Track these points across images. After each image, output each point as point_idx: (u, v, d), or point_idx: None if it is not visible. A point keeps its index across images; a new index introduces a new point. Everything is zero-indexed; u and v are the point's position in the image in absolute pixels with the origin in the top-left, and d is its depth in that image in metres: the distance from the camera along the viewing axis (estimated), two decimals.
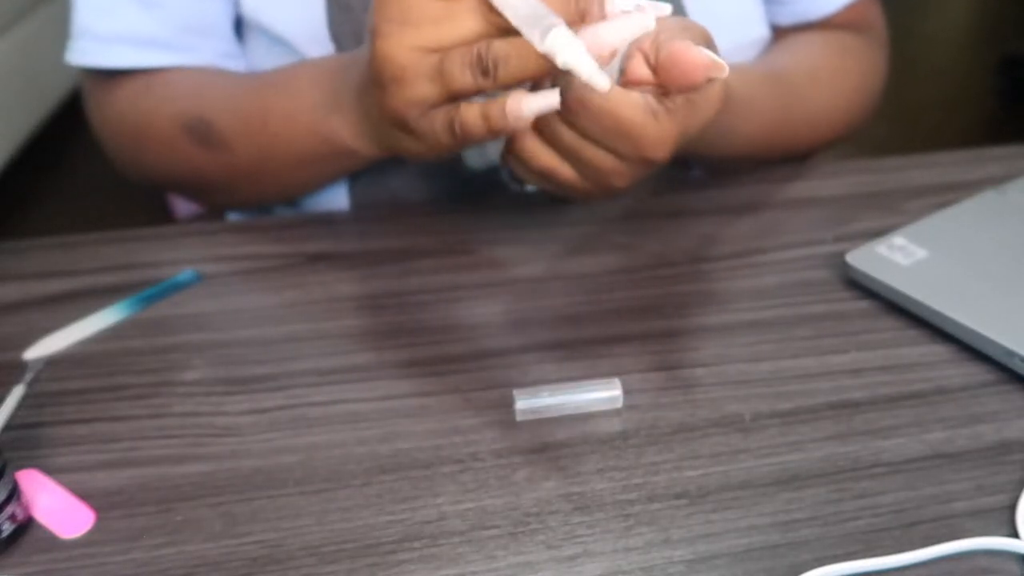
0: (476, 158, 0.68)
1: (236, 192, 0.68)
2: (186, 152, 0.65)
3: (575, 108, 0.48)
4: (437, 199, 0.69)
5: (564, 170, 0.52)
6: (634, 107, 0.48)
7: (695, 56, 0.46)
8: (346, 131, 0.58)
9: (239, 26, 0.70)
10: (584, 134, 0.49)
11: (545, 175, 0.52)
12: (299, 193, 0.69)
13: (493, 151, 0.68)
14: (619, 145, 0.49)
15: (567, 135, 0.50)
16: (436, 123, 0.49)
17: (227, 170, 0.65)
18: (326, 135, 0.59)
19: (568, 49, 0.42)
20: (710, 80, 0.47)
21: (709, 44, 0.50)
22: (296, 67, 0.63)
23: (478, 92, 0.47)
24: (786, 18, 0.74)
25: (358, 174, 0.68)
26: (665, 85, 0.48)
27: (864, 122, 0.76)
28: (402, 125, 0.50)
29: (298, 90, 0.61)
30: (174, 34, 0.67)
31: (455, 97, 0.47)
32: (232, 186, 0.67)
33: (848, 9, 0.73)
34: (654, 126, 0.48)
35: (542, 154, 0.51)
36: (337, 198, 0.69)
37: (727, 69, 0.46)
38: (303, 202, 0.71)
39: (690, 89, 0.47)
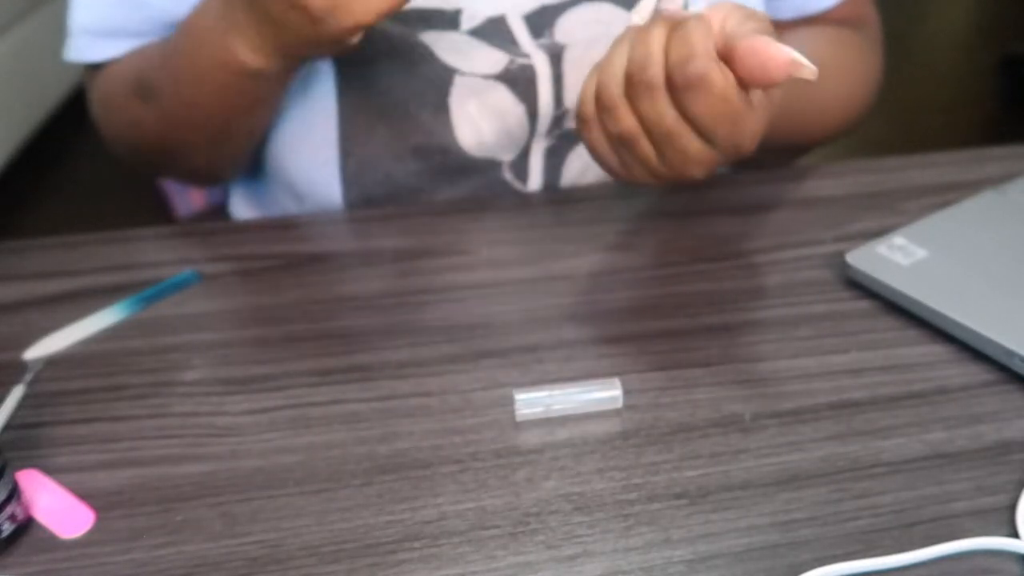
0: (472, 142, 0.68)
1: (189, 146, 0.68)
2: (135, 114, 0.67)
3: (696, 84, 0.46)
4: (433, 182, 0.69)
5: (644, 144, 0.50)
6: (742, 94, 0.47)
7: (777, 53, 0.45)
8: (245, 52, 0.58)
9: None
10: (688, 115, 0.48)
11: (624, 141, 0.51)
12: (247, 134, 0.68)
13: (489, 135, 0.68)
14: (720, 131, 0.48)
15: (669, 116, 0.48)
16: None
17: (166, 123, 0.66)
18: (226, 60, 0.59)
19: None
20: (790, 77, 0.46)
21: (772, 34, 0.49)
22: (197, 4, 0.63)
23: None
24: (787, 12, 0.75)
25: (349, 155, 0.68)
26: (740, 77, 0.47)
27: (863, 116, 0.77)
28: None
29: (195, 27, 0.62)
30: (160, 29, 0.69)
31: None
32: (179, 140, 0.67)
33: (846, 3, 0.74)
34: (753, 115, 0.48)
35: (627, 119, 0.50)
36: (328, 177, 0.69)
37: (815, 72, 0.45)
38: (296, 181, 0.71)
39: (767, 85, 0.46)
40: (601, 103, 0.50)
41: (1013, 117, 2.47)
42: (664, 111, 0.48)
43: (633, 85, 0.48)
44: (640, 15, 0.51)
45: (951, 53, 2.92)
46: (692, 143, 0.49)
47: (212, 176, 0.76)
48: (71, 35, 0.71)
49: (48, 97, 2.29)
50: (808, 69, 0.45)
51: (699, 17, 0.48)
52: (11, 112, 2.13)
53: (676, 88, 0.47)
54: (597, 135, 0.52)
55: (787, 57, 0.45)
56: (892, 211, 0.65)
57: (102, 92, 0.72)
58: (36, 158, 2.25)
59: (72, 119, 2.28)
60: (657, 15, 0.50)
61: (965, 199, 0.63)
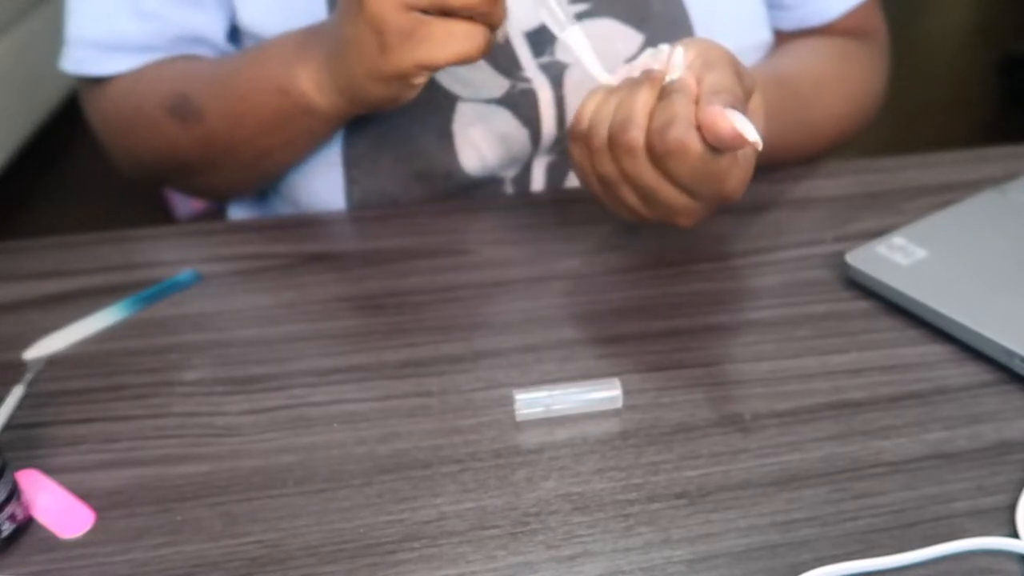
0: (476, 166, 0.68)
1: (216, 168, 0.68)
2: (169, 131, 0.66)
3: (675, 150, 0.47)
4: (436, 201, 0.69)
5: (626, 191, 0.51)
6: (722, 154, 0.47)
7: (726, 126, 0.46)
8: (306, 81, 0.59)
9: (234, 32, 0.71)
10: (668, 175, 0.49)
11: (606, 183, 0.51)
12: (275, 167, 0.68)
13: (492, 159, 0.68)
14: (702, 187, 0.49)
15: (648, 175, 0.49)
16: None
17: (204, 143, 0.65)
18: (286, 85, 0.60)
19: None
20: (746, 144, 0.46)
21: (737, 73, 0.50)
22: (272, 37, 0.63)
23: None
24: (789, 23, 0.74)
25: (354, 183, 0.68)
26: (708, 143, 0.47)
27: (864, 128, 0.76)
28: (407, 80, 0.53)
29: (265, 50, 0.62)
30: (168, 43, 0.68)
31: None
32: (211, 161, 0.67)
33: (850, 15, 0.73)
34: (738, 168, 0.48)
35: (609, 165, 0.50)
36: (335, 203, 0.69)
37: (760, 144, 0.46)
38: (303, 205, 0.71)
39: (731, 150, 0.47)
40: (589, 143, 0.51)
41: (1013, 117, 2.47)
42: (643, 171, 0.49)
43: (615, 145, 0.49)
44: (617, 76, 0.52)
45: (951, 53, 2.92)
46: (675, 198, 0.50)
47: (228, 195, 0.77)
48: (70, 45, 0.69)
49: (48, 97, 2.29)
50: (752, 142, 0.46)
51: (682, 83, 0.48)
52: (11, 112, 2.13)
53: (655, 153, 0.48)
54: (583, 155, 0.52)
55: (732, 131, 0.45)
56: (892, 211, 0.65)
57: (111, 106, 0.70)
58: (36, 158, 2.25)
59: (72, 119, 2.27)
60: (645, 74, 0.50)
61: (965, 199, 0.63)
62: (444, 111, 0.66)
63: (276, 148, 0.65)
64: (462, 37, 0.51)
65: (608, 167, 0.50)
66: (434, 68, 0.53)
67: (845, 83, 0.73)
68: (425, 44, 0.51)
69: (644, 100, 0.49)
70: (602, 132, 0.50)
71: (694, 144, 0.47)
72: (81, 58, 0.69)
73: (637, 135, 0.48)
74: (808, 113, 0.69)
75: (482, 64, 0.65)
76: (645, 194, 0.50)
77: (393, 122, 0.66)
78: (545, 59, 0.66)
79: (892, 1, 0.84)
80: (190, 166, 0.69)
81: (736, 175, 0.49)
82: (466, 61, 0.52)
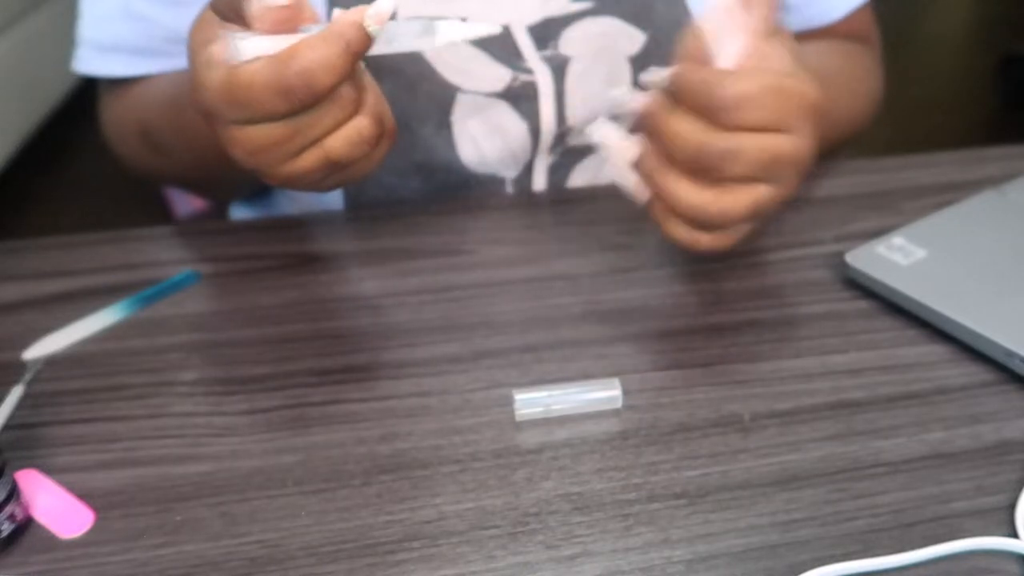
0: (473, 159, 0.68)
1: (205, 188, 0.71)
2: (147, 157, 0.69)
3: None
4: (436, 198, 0.69)
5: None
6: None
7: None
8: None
9: None
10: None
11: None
12: (256, 185, 0.71)
13: (490, 153, 0.68)
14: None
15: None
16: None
17: (182, 172, 0.68)
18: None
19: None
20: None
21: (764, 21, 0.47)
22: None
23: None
24: (794, 24, 0.74)
25: None
26: None
27: (863, 132, 0.77)
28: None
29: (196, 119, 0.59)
30: (161, 44, 0.69)
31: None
32: (196, 184, 0.70)
33: (851, 18, 0.74)
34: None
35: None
36: (333, 200, 0.69)
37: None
38: (299, 195, 0.72)
39: None
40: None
41: (1013, 117, 2.47)
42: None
43: (703, 170, 0.46)
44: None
45: (951, 53, 2.92)
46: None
47: (225, 200, 0.79)
48: (78, 44, 0.71)
49: (48, 97, 2.29)
50: None
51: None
52: (11, 112, 2.13)
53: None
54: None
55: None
56: (892, 211, 0.65)
57: (114, 121, 0.72)
58: (36, 158, 2.25)
59: (72, 119, 2.27)
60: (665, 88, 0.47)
61: (965, 199, 0.63)
62: (443, 103, 0.66)
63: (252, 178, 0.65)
64: (346, 139, 0.47)
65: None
66: (346, 166, 0.48)
67: (858, 83, 0.74)
68: (368, 166, 0.49)
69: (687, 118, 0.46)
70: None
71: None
72: (84, 58, 0.71)
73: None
74: (836, 107, 0.69)
75: (482, 55, 0.65)
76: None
77: (392, 111, 0.66)
78: (548, 52, 0.66)
79: (893, 1, 0.84)
80: (182, 185, 0.73)
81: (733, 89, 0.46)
82: (363, 144, 0.48)
